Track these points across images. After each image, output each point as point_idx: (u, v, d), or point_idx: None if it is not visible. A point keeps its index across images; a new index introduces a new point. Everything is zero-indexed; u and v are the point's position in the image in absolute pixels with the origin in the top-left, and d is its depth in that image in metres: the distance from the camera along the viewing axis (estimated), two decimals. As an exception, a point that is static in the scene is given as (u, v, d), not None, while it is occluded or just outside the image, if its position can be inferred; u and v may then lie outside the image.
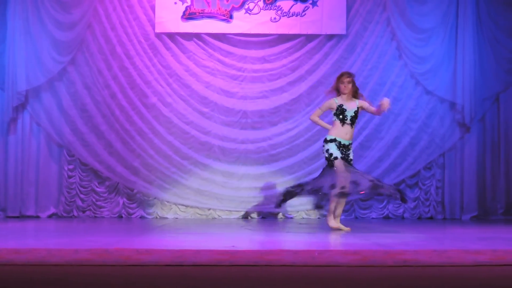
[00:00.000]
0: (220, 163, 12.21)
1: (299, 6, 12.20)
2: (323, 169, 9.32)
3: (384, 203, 12.29)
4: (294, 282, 4.44)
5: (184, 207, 12.19)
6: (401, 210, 12.29)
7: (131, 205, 12.18)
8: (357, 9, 12.33)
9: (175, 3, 12.17)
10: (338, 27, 12.24)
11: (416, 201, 12.34)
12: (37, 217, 12.02)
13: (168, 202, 12.19)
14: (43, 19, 11.97)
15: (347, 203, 12.14)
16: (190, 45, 12.35)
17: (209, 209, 12.16)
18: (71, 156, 12.13)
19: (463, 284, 4.43)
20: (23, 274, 4.66)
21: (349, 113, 9.12)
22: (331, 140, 9.10)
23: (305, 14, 12.20)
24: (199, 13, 12.18)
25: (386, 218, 12.23)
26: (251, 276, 4.60)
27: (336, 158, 9.02)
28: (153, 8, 12.22)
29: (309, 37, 12.34)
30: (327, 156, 9.09)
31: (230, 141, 12.21)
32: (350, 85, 9.17)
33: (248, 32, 12.31)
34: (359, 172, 9.22)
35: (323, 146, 9.18)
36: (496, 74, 12.33)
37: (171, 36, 12.29)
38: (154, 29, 12.23)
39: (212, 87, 12.32)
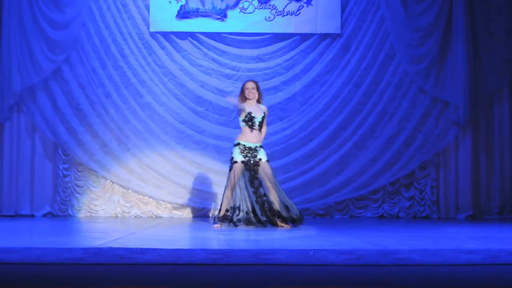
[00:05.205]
0: (215, 162, 12.17)
1: (294, 5, 12.21)
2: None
3: (379, 203, 12.29)
4: (289, 281, 4.44)
5: (179, 206, 12.18)
6: (396, 210, 12.28)
7: (126, 204, 12.17)
8: (351, 8, 12.33)
9: (170, 2, 12.16)
10: (333, 26, 12.25)
11: (411, 201, 12.32)
12: (32, 216, 12.01)
13: (163, 201, 12.17)
14: (37, 18, 11.95)
15: (341, 203, 12.19)
16: (185, 44, 12.35)
17: (203, 208, 12.15)
18: (66, 155, 12.11)
19: (457, 283, 4.44)
20: (17, 273, 4.66)
21: (257, 119, 9.75)
22: (236, 144, 9.72)
23: (299, 13, 12.21)
24: (194, 12, 12.17)
25: (381, 217, 12.22)
26: (246, 275, 4.60)
27: (235, 162, 9.60)
28: (147, 7, 12.22)
29: (304, 36, 12.35)
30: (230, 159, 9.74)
31: (225, 140, 12.16)
32: (254, 91, 9.89)
33: (243, 31, 12.31)
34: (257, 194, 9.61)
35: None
36: (491, 73, 12.31)
37: (166, 35, 12.28)
38: (148, 28, 12.22)
39: (206, 86, 12.32)
